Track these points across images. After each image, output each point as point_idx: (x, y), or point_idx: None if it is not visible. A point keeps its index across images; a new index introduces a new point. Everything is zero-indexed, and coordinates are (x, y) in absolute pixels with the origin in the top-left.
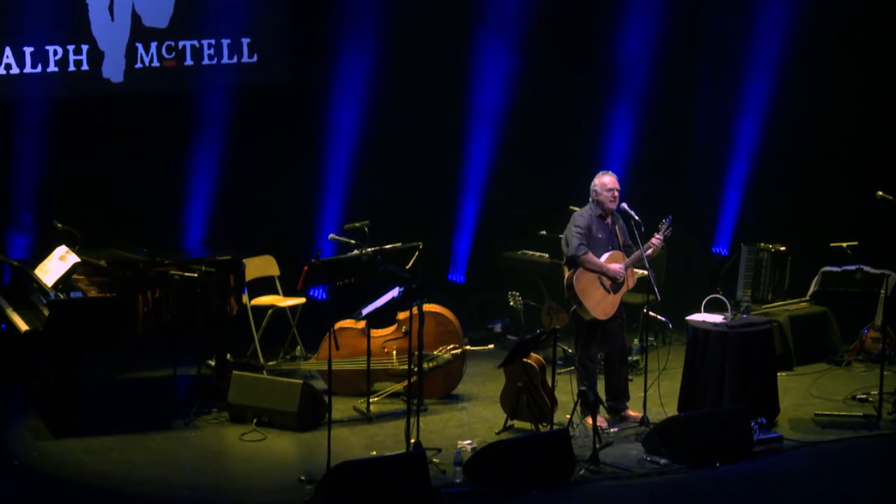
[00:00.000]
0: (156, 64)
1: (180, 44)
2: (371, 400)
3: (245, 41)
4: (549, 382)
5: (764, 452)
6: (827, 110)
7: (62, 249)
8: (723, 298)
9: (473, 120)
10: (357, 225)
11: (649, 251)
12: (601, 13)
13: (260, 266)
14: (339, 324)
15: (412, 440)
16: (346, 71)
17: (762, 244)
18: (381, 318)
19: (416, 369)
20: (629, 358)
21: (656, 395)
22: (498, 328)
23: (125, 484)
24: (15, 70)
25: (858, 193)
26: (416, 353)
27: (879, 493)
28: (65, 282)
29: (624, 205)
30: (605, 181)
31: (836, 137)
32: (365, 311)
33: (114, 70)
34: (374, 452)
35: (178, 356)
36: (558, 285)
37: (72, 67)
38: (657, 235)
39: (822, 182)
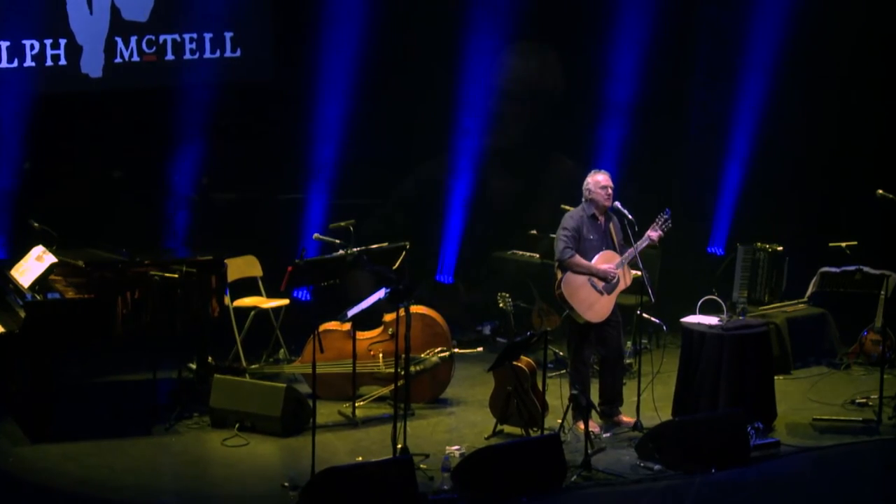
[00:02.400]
0: (136, 59)
1: (161, 38)
2: (357, 404)
3: (228, 35)
4: (540, 386)
5: (761, 458)
6: (826, 107)
7: (39, 249)
8: (718, 300)
9: (463, 116)
10: (342, 224)
11: (646, 243)
12: (593, 9)
13: (242, 266)
14: (324, 326)
15: (399, 445)
16: (331, 65)
17: (759, 244)
18: (367, 319)
19: (402, 372)
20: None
21: (650, 399)
22: (487, 330)
23: (104, 490)
24: None
25: (858, 192)
26: (403, 355)
27: (880, 500)
28: (42, 283)
29: (617, 203)
30: (599, 179)
31: (835, 134)
32: (350, 313)
33: (92, 65)
34: (360, 458)
35: (159, 359)
36: (549, 286)
37: (49, 62)
38: (654, 230)
39: (820, 180)
